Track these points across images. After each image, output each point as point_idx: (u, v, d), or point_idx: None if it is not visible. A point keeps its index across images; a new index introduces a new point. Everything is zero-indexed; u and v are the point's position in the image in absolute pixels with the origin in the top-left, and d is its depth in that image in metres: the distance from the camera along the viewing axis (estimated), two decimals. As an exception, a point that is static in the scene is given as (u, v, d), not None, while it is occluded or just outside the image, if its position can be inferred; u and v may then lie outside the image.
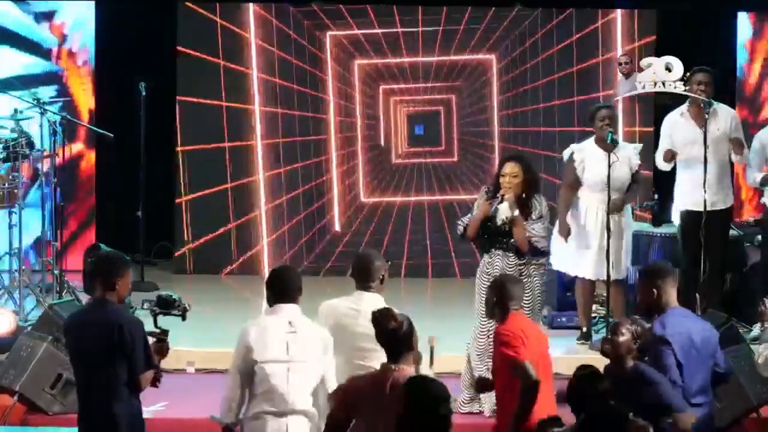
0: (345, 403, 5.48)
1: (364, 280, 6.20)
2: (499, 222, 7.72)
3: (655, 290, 6.22)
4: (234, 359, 5.86)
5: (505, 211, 7.69)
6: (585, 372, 5.43)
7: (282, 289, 5.87)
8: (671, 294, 6.26)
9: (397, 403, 5.02)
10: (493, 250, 7.80)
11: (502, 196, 7.70)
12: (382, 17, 12.02)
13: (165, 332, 6.02)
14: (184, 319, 6.05)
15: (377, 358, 5.66)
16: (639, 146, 9.25)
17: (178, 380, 8.06)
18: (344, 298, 6.28)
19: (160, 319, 6.07)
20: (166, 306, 6.01)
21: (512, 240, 7.72)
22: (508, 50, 12.05)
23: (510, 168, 7.77)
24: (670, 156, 9.11)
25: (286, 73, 12.05)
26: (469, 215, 7.95)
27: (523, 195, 7.74)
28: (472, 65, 12.11)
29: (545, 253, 8.00)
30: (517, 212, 7.68)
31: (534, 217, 7.75)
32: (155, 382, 5.98)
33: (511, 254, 7.76)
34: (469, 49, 12.03)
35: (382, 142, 12.19)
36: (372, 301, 6.07)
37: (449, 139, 12.18)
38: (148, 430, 6.07)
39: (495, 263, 7.76)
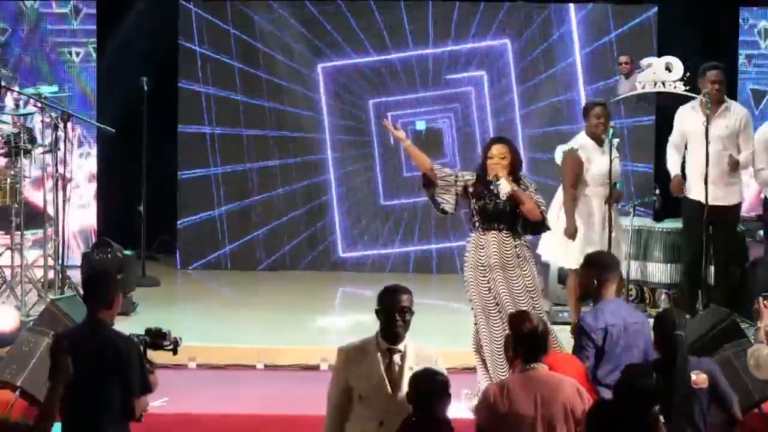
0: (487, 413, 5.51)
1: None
2: (503, 197, 7.66)
3: (595, 280, 6.48)
4: None
5: (505, 187, 7.67)
6: (636, 369, 5.50)
7: None
8: (610, 287, 6.51)
9: (529, 403, 5.26)
10: (488, 233, 7.75)
11: (496, 175, 7.67)
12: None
13: (152, 365, 5.72)
14: (175, 353, 5.75)
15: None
16: (616, 140, 9.13)
17: (180, 375, 8.09)
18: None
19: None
20: (156, 339, 5.69)
21: (518, 218, 7.69)
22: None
23: (497, 150, 7.77)
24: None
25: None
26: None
27: (511, 176, 7.74)
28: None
29: (547, 227, 7.94)
30: (515, 186, 7.69)
31: (531, 191, 7.76)
32: (139, 416, 5.58)
33: (508, 236, 7.71)
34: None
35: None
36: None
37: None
38: (149, 427, 6.02)
39: (491, 248, 7.68)
